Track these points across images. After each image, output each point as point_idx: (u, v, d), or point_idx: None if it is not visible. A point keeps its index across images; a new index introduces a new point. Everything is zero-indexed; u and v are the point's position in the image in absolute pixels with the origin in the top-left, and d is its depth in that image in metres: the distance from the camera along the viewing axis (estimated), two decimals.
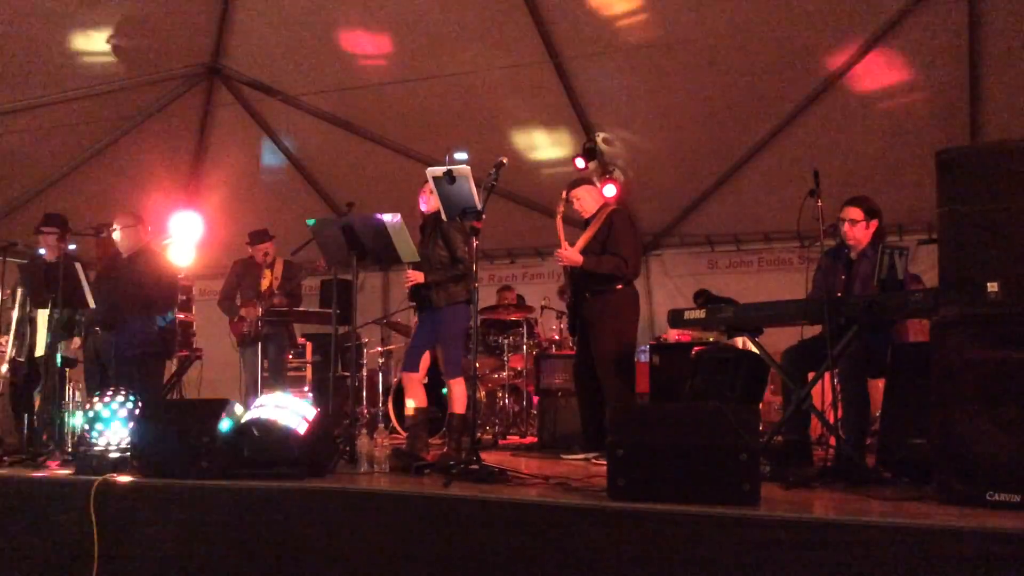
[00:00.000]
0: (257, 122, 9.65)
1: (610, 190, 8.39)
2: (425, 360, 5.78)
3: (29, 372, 6.63)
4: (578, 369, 5.99)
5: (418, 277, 5.59)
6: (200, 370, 7.93)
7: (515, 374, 8.00)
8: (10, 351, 6.57)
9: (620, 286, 5.74)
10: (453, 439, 5.62)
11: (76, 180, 9.56)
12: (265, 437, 4.54)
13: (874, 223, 5.01)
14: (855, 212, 5.00)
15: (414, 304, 5.94)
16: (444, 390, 7.23)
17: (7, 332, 6.76)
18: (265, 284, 7.45)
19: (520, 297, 9.16)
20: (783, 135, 8.41)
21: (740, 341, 5.96)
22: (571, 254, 5.68)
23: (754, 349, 5.03)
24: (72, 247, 5.98)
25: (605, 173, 8.81)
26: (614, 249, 5.67)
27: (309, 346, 8.97)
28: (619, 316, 5.74)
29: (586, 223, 5.91)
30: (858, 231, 5.00)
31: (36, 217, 7.01)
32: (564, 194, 5.97)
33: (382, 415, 8.18)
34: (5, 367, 6.52)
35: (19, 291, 6.63)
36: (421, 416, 5.70)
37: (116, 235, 6.38)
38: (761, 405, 5.90)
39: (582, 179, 6.28)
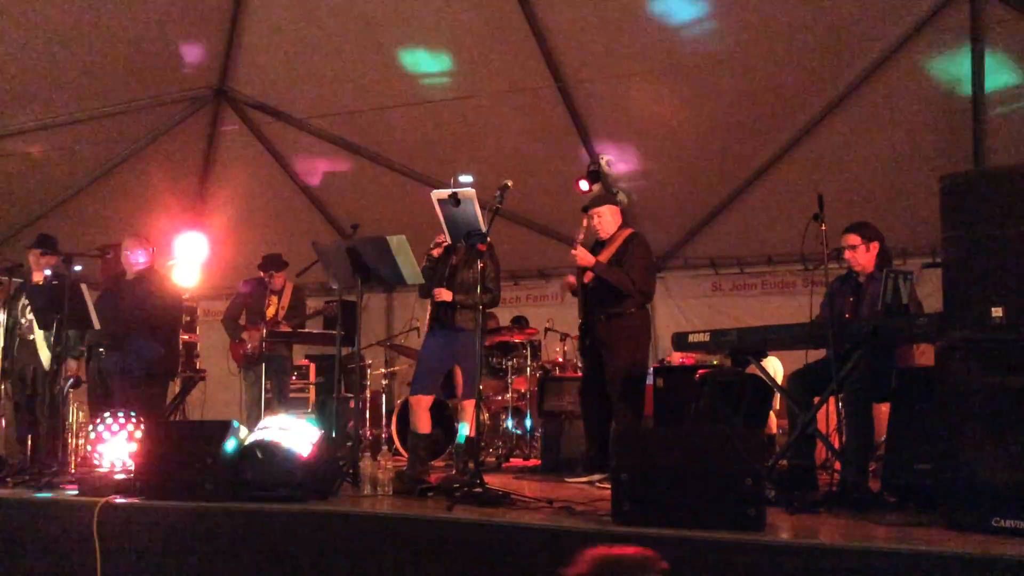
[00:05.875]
0: (263, 144, 9.69)
1: None
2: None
3: (33, 391, 6.64)
4: (586, 390, 5.95)
5: (447, 295, 5.50)
6: (203, 391, 7.92)
7: (519, 396, 7.99)
8: None
9: (633, 309, 5.73)
10: (462, 460, 5.58)
11: (82, 201, 9.61)
12: (268, 459, 4.54)
13: (875, 245, 5.06)
14: (853, 238, 5.08)
15: (433, 321, 5.76)
16: (446, 412, 7.28)
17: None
18: (271, 312, 7.44)
19: (524, 319, 9.16)
20: (787, 158, 8.44)
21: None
22: (583, 254, 5.68)
23: (759, 372, 5.03)
24: (78, 268, 6.00)
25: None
26: (626, 270, 5.67)
27: (312, 367, 8.97)
28: (633, 339, 5.71)
29: (602, 244, 5.92)
30: (859, 255, 5.06)
31: None
32: (584, 222, 5.92)
33: (385, 437, 8.16)
34: None
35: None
36: (425, 441, 5.67)
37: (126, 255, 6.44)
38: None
39: (606, 198, 6.25)
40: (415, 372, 5.79)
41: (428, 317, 5.79)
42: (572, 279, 5.93)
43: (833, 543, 3.39)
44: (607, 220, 5.91)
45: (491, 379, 8.14)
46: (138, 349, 6.23)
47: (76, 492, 4.83)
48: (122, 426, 5.25)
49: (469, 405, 5.52)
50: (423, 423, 5.55)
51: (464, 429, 5.59)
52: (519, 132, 8.91)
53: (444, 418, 7.27)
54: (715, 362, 6.93)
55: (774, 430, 6.88)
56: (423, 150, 9.23)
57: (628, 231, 5.93)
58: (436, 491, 4.85)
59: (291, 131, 9.41)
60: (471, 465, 5.15)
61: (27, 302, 6.60)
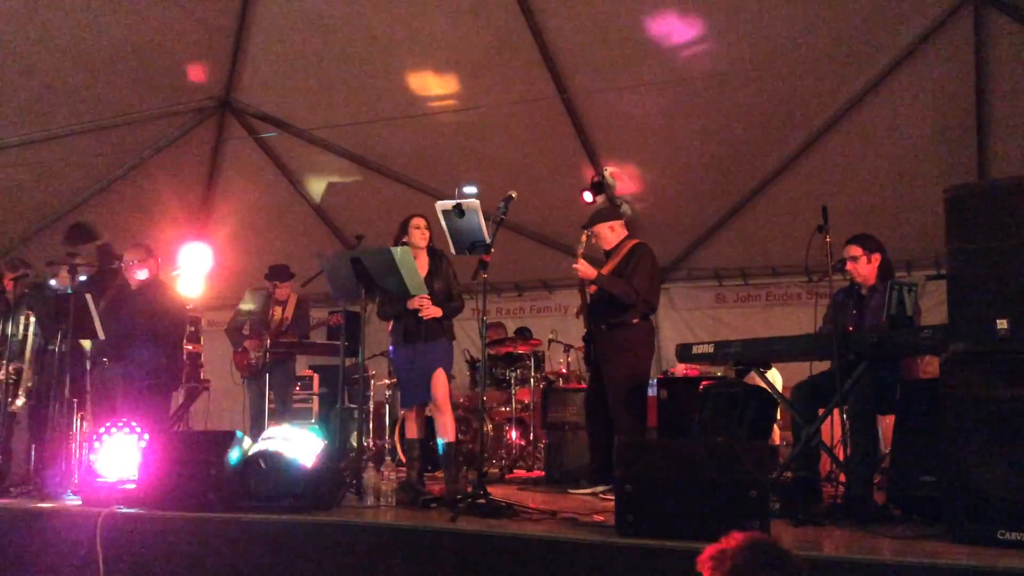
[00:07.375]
0: (268, 155, 9.72)
1: None
2: None
3: (37, 401, 6.62)
4: (589, 401, 5.96)
5: (436, 312, 5.46)
6: (207, 401, 7.92)
7: (522, 407, 7.97)
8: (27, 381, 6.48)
9: (636, 320, 5.73)
10: (452, 468, 5.51)
11: (87, 211, 9.60)
12: (272, 470, 4.55)
13: (876, 257, 5.07)
14: (855, 249, 5.09)
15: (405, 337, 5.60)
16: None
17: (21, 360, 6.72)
18: (275, 322, 7.44)
19: (527, 330, 9.15)
20: (791, 170, 8.44)
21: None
22: (585, 268, 5.70)
23: (761, 383, 5.02)
24: (83, 278, 6.00)
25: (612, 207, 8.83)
26: (630, 280, 5.68)
27: (316, 378, 8.96)
28: (633, 350, 5.72)
29: (607, 255, 5.93)
30: (861, 267, 5.07)
31: (48, 248, 7.06)
32: (583, 237, 5.95)
33: (388, 448, 8.15)
34: (22, 399, 6.40)
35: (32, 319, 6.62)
36: (419, 449, 5.65)
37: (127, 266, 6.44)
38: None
39: (603, 215, 6.24)
40: (401, 385, 5.73)
41: (393, 328, 5.68)
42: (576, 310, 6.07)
43: (838, 555, 3.38)
44: (606, 236, 5.95)
45: (495, 390, 8.13)
46: (142, 359, 6.22)
47: (79, 502, 4.83)
48: (126, 436, 5.25)
49: (448, 413, 5.51)
50: (416, 429, 5.62)
51: (445, 438, 5.55)
52: (523, 143, 8.93)
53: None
54: (719, 374, 6.91)
55: (777, 442, 6.87)
56: (427, 161, 9.25)
57: (633, 241, 5.94)
58: (439, 502, 4.85)
59: (296, 142, 9.43)
60: (466, 473, 5.14)
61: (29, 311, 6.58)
